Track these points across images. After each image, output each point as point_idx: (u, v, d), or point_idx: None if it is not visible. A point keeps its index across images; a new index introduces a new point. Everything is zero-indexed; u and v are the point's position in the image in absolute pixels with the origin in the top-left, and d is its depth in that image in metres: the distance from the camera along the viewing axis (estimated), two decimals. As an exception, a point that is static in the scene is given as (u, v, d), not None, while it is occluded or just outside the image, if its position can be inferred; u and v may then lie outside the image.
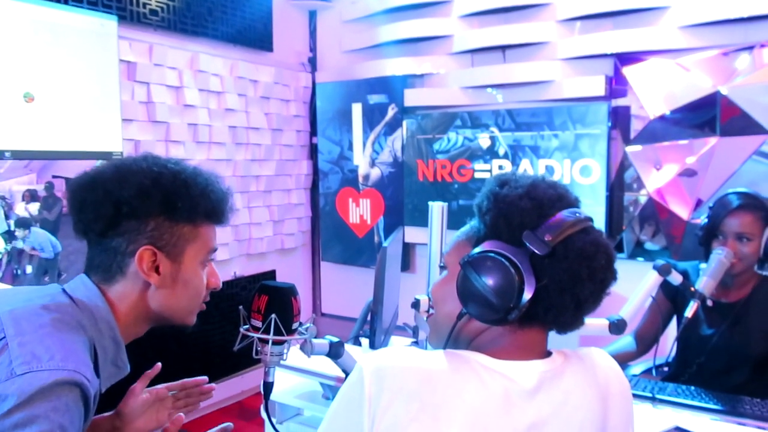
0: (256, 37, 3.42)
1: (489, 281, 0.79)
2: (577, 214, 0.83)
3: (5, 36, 2.33)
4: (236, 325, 1.03)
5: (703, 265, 1.69)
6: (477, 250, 0.83)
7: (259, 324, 0.99)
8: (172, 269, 0.95)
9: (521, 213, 0.82)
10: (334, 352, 1.14)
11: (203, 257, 0.99)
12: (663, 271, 1.60)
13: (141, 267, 0.93)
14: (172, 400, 1.16)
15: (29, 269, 2.48)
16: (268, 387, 1.04)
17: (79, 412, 0.79)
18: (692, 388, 1.61)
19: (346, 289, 3.79)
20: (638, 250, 2.79)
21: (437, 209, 1.62)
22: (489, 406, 0.77)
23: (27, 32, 2.39)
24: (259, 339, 0.99)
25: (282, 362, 1.02)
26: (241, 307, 1.02)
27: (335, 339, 1.14)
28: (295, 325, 1.02)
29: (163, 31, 2.93)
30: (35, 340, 0.81)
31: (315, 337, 1.10)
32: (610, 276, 0.84)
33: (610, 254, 0.84)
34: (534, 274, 0.79)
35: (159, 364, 1.18)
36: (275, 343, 0.99)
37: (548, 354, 0.86)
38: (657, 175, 2.71)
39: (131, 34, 2.79)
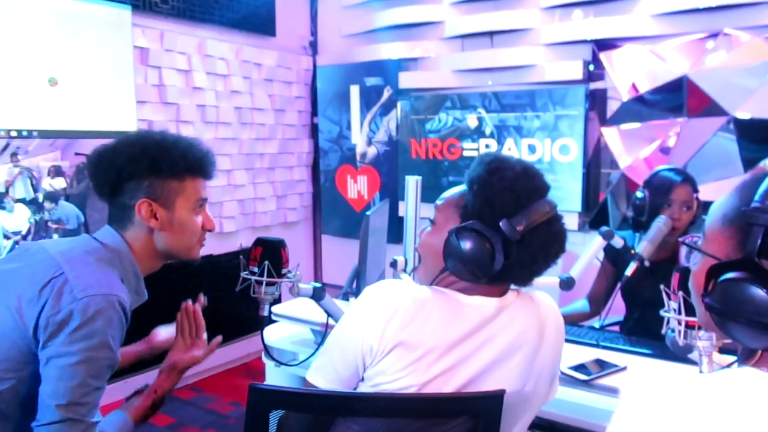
0: (260, 22, 3.63)
1: (469, 252, 1.02)
2: (546, 207, 1.06)
3: (32, 26, 2.57)
4: (242, 293, 1.29)
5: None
6: (463, 224, 1.04)
7: (255, 270, 1.24)
8: (168, 215, 1.21)
9: (502, 204, 1.03)
10: (317, 295, 1.39)
11: (192, 204, 1.24)
12: (606, 235, 1.83)
13: (141, 215, 1.19)
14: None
15: (55, 237, 2.75)
16: (263, 320, 1.30)
17: (122, 325, 1.10)
18: (633, 337, 1.85)
19: (345, 259, 4.01)
20: (624, 225, 2.98)
21: (412, 183, 1.85)
22: (458, 326, 1.04)
23: (51, 23, 2.64)
24: (255, 281, 1.25)
25: (273, 298, 1.28)
26: (241, 256, 1.27)
27: (318, 284, 1.39)
28: (284, 271, 1.27)
29: (173, 18, 3.15)
30: (87, 274, 1.10)
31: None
32: (559, 256, 1.09)
33: (562, 241, 1.10)
34: (504, 254, 1.02)
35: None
36: (268, 284, 1.24)
37: (505, 291, 1.12)
38: (630, 153, 2.93)
39: (144, 22, 3.02)
